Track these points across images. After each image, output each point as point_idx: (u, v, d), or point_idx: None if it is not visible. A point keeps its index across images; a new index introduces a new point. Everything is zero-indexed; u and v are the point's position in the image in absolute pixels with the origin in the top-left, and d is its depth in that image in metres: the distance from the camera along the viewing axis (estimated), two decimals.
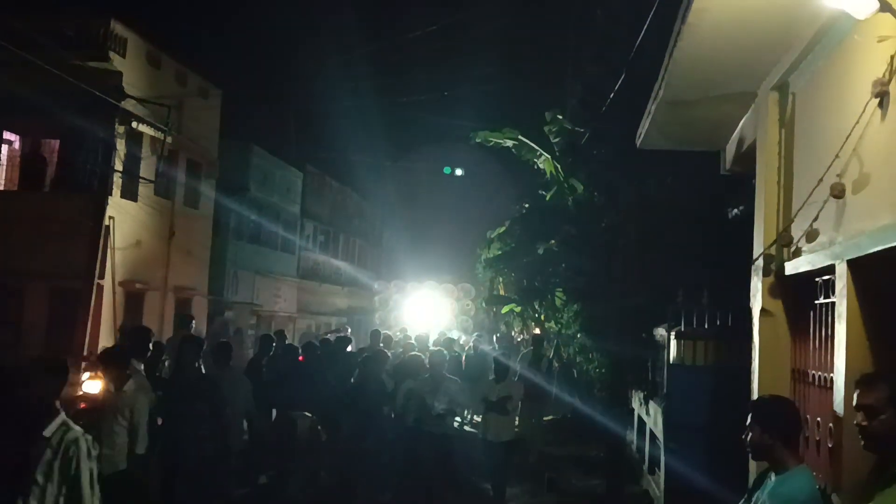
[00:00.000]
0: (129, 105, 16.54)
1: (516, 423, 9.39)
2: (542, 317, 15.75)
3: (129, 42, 17.42)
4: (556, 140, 14.24)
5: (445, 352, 9.61)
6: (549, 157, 14.09)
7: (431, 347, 12.32)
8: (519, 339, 20.00)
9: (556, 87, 18.70)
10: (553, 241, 13.95)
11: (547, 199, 14.25)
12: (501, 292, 19.13)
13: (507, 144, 14.82)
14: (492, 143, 15.05)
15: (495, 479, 8.86)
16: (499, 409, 8.59)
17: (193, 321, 14.13)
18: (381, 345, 12.46)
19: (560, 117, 14.21)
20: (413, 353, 11.06)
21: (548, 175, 14.23)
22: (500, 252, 17.44)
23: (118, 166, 16.74)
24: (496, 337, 19.47)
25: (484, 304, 20.62)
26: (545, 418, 14.06)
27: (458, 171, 13.07)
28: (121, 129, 16.60)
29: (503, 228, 17.52)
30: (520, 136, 14.56)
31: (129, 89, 16.68)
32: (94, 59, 16.17)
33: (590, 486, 10.38)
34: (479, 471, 9.48)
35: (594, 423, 11.70)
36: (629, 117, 7.79)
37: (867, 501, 2.99)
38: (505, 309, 17.31)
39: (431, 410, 8.22)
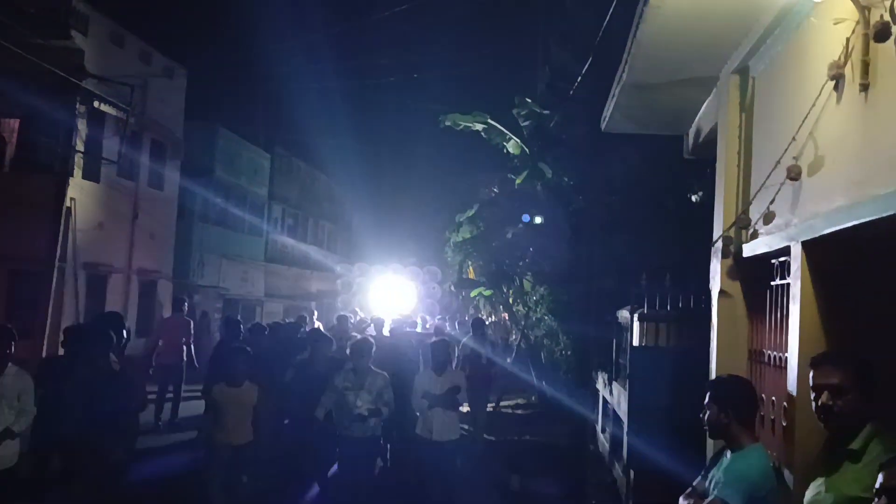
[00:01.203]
0: (91, 84, 16.22)
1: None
2: (511, 300, 15.82)
3: (92, 20, 17.06)
4: (525, 124, 14.27)
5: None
6: (517, 140, 14.12)
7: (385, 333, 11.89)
8: (488, 324, 20.04)
9: (525, 71, 18.71)
10: (521, 225, 14.00)
11: (517, 183, 14.28)
12: (471, 276, 19.18)
13: (477, 128, 14.80)
14: (461, 127, 15.03)
15: (441, 484, 7.59)
16: (446, 403, 7.54)
17: (186, 303, 13.81)
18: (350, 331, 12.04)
19: (529, 101, 14.24)
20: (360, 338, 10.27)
21: (516, 160, 14.26)
22: (469, 235, 17.47)
23: (80, 146, 16.46)
24: (462, 320, 19.01)
25: (453, 288, 20.65)
26: (506, 402, 14.15)
27: (538, 219, 12.74)
28: (82, 108, 16.30)
29: (472, 212, 17.53)
30: (489, 120, 14.56)
31: (92, 68, 16.36)
32: (56, 38, 15.82)
33: (551, 476, 10.07)
34: (422, 477, 7.86)
35: (560, 406, 11.80)
36: (596, 101, 7.83)
37: (818, 476, 3.05)
38: (474, 293, 17.35)
39: (353, 409, 7.20)
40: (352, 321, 13.76)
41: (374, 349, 7.65)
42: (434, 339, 9.09)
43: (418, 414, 7.66)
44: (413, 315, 16.23)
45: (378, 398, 7.26)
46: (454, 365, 10.80)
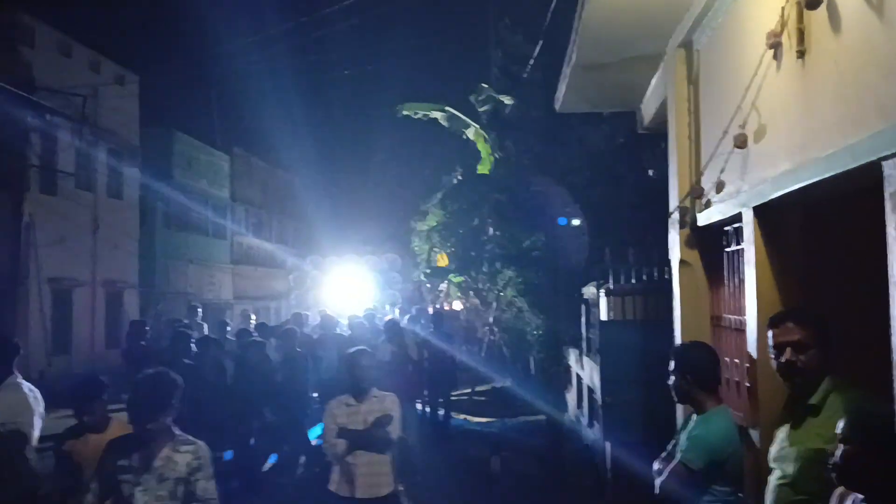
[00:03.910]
0: (41, 96, 15.95)
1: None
2: (479, 285, 15.90)
3: (38, 32, 16.77)
4: (483, 109, 14.32)
5: None
6: (476, 126, 14.17)
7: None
8: (461, 309, 19.91)
9: (479, 57, 18.72)
10: (485, 210, 14.09)
11: (478, 170, 14.34)
12: (441, 264, 19.17)
13: (435, 116, 14.83)
14: (419, 116, 15.04)
15: None
16: (372, 442, 5.27)
17: (200, 309, 13.53)
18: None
19: (485, 86, 14.29)
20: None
21: (479, 145, 14.32)
22: (435, 223, 17.48)
23: (34, 161, 16.18)
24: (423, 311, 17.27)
25: (423, 277, 20.61)
26: (482, 388, 14.17)
27: (575, 221, 12.45)
28: (35, 122, 16.03)
29: (437, 200, 17.53)
30: (447, 108, 14.59)
31: (41, 80, 16.09)
32: (1, 52, 15.53)
33: (530, 455, 10.22)
34: None
35: (535, 386, 11.96)
36: (550, 82, 7.91)
37: (781, 432, 3.17)
38: (449, 279, 17.31)
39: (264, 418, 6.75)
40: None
41: None
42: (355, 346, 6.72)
43: (332, 461, 5.40)
44: (380, 308, 15.81)
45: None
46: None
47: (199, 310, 15.52)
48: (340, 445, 5.21)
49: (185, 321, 11.97)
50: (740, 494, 3.61)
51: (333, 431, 5.26)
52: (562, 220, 11.33)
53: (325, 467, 5.39)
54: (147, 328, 10.32)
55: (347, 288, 18.02)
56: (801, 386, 3.10)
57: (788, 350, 3.07)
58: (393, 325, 10.18)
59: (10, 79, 14.80)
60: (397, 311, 15.37)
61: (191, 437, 3.93)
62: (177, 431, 3.89)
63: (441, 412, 11.36)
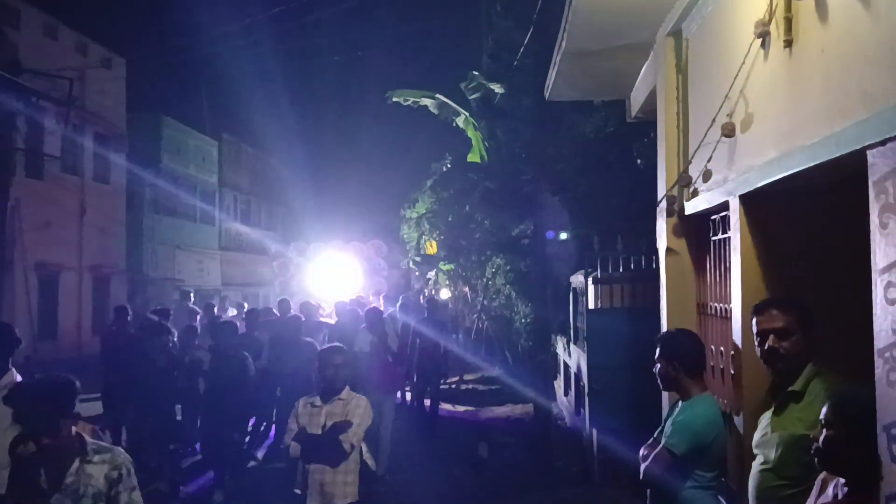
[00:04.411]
0: (27, 79, 15.81)
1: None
2: (468, 273, 15.93)
3: (23, 13, 16.60)
4: (474, 97, 14.29)
5: None
6: (467, 114, 14.14)
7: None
8: (447, 298, 19.90)
9: (469, 43, 18.67)
10: (474, 198, 14.09)
11: (469, 158, 14.32)
12: (430, 251, 19.15)
13: (425, 103, 14.78)
14: (409, 102, 14.98)
15: None
16: (320, 448, 4.87)
17: (192, 294, 13.33)
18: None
19: (476, 73, 14.25)
20: None
21: (469, 133, 14.30)
22: (424, 210, 17.46)
23: (20, 144, 16.05)
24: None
25: (413, 265, 20.57)
26: (470, 376, 14.19)
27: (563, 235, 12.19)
28: (20, 104, 15.89)
29: (428, 187, 17.51)
30: (437, 95, 14.54)
31: (26, 62, 15.93)
32: None
33: (518, 442, 10.33)
34: None
35: (523, 374, 12.00)
36: (540, 70, 7.90)
37: (764, 418, 3.20)
38: (445, 266, 17.31)
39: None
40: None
41: None
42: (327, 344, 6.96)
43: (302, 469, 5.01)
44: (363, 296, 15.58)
45: None
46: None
47: (192, 294, 15.47)
48: (294, 449, 4.91)
49: (164, 308, 11.77)
50: (723, 479, 3.65)
51: (291, 433, 4.97)
52: (549, 234, 11.08)
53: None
54: (129, 316, 10.14)
55: (332, 275, 17.73)
56: (783, 372, 3.15)
57: (772, 337, 3.12)
58: (374, 314, 9.54)
59: None
60: (381, 300, 15.19)
61: (105, 444, 3.50)
62: (88, 439, 3.41)
63: (427, 402, 11.20)
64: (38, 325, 16.67)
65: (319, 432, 4.88)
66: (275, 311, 12.01)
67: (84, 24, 19.01)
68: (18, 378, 4.76)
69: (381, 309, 11.05)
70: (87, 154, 18.97)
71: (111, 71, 19.99)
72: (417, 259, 19.44)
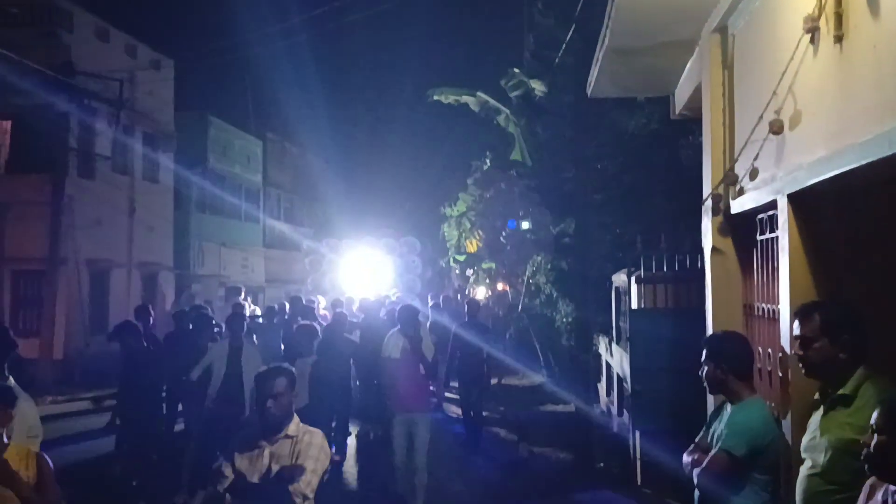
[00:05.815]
0: (79, 81, 16.20)
1: None
2: (508, 272, 15.92)
3: (76, 16, 17.03)
4: (514, 94, 14.24)
5: None
6: (508, 112, 14.10)
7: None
8: (486, 297, 19.82)
9: (511, 41, 18.61)
10: (515, 196, 14.07)
11: (512, 157, 14.29)
12: (470, 250, 19.15)
13: (466, 101, 14.78)
14: (450, 101, 15.00)
15: None
16: (269, 498, 3.74)
17: (243, 289, 13.48)
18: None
19: (517, 71, 14.20)
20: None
21: (510, 129, 14.26)
22: (465, 209, 17.50)
23: (73, 144, 16.46)
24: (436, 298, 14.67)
25: (453, 262, 20.58)
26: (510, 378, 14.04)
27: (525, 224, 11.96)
28: (73, 106, 16.29)
29: (470, 185, 17.55)
30: (479, 93, 14.53)
31: (79, 64, 16.32)
32: (41, 36, 15.81)
33: (558, 442, 10.13)
34: None
35: (565, 374, 11.93)
36: (582, 67, 7.84)
37: (813, 422, 3.14)
38: (486, 265, 17.36)
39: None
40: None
41: None
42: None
43: None
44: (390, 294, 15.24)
45: None
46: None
47: (243, 290, 15.63)
48: (227, 502, 3.87)
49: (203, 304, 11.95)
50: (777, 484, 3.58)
51: (226, 481, 3.82)
52: (511, 224, 10.18)
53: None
54: (151, 315, 10.16)
55: (364, 272, 17.43)
56: (820, 377, 3.12)
57: (797, 344, 3.13)
58: (408, 312, 7.64)
59: (49, 63, 15.07)
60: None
61: None
62: None
63: (472, 413, 10.15)
64: (90, 319, 17.07)
65: (256, 481, 3.75)
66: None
67: (133, 26, 19.44)
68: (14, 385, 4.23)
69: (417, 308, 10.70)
70: (137, 154, 19.36)
71: (159, 72, 20.38)
72: (459, 257, 19.44)
